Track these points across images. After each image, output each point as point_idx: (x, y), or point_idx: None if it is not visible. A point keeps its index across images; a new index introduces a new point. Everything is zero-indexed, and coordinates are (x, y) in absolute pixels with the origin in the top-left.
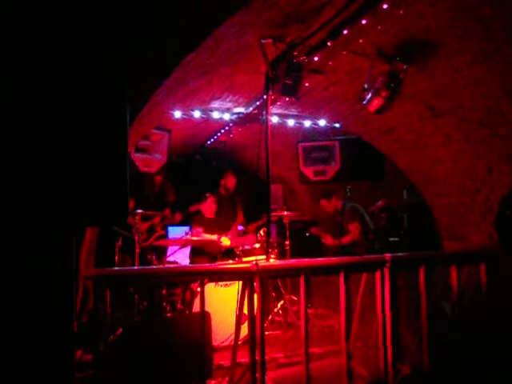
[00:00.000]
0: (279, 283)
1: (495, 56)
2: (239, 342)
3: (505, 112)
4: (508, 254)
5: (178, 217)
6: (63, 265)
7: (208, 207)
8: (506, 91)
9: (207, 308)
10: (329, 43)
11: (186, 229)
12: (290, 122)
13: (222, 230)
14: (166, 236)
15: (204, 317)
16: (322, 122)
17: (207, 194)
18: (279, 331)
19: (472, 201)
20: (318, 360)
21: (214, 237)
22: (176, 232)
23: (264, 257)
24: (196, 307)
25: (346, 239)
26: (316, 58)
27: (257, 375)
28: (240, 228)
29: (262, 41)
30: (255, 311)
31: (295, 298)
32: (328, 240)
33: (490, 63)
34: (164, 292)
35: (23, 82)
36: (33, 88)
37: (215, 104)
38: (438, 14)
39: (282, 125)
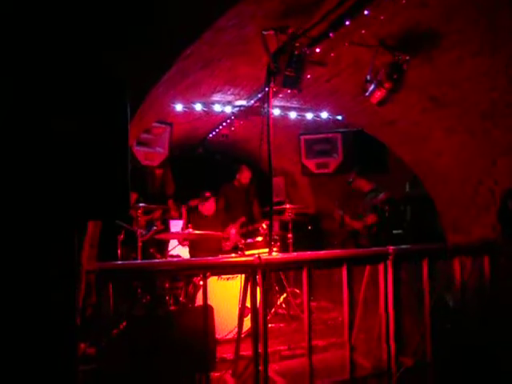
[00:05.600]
0: (282, 276)
1: (500, 47)
2: (242, 335)
3: (510, 104)
4: (511, 246)
5: (174, 214)
6: (65, 258)
7: (208, 207)
8: (511, 83)
9: (210, 301)
10: (331, 34)
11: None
12: (292, 115)
13: (219, 228)
14: (167, 230)
15: (207, 310)
16: (324, 115)
17: (207, 194)
18: (282, 324)
19: (475, 193)
20: (321, 352)
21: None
22: (178, 226)
23: (266, 250)
24: (199, 300)
25: (361, 224)
26: (318, 50)
27: (260, 368)
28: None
29: (264, 32)
30: (258, 304)
31: (298, 291)
32: (347, 220)
33: (494, 54)
34: (167, 285)
35: (27, 81)
36: (35, 85)
37: (216, 97)
38: (441, 4)
39: (284, 117)
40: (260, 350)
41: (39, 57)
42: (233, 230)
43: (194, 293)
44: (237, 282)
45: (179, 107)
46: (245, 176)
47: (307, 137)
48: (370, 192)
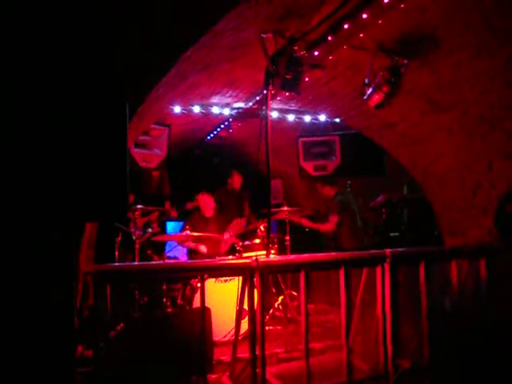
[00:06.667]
0: (279, 278)
1: (498, 50)
2: (240, 338)
3: (508, 107)
4: (507, 249)
5: (174, 214)
6: (63, 260)
7: (208, 204)
8: (509, 86)
9: (207, 303)
10: (329, 38)
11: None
12: (290, 117)
13: (220, 230)
14: (163, 232)
15: (204, 312)
16: (323, 117)
17: (202, 193)
18: (279, 326)
19: (472, 196)
20: (318, 355)
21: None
22: (174, 227)
23: (264, 252)
24: (196, 303)
25: (325, 227)
26: (316, 53)
27: (257, 370)
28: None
29: (262, 35)
30: (255, 306)
31: (295, 294)
32: (305, 222)
33: (492, 58)
34: (164, 287)
35: (25, 81)
36: (33, 86)
37: (215, 99)
38: (440, 8)
39: (282, 120)
40: (257, 353)
41: (38, 56)
42: (226, 235)
43: (192, 295)
44: (234, 284)
45: (177, 109)
46: (236, 181)
47: (305, 139)
48: (335, 195)
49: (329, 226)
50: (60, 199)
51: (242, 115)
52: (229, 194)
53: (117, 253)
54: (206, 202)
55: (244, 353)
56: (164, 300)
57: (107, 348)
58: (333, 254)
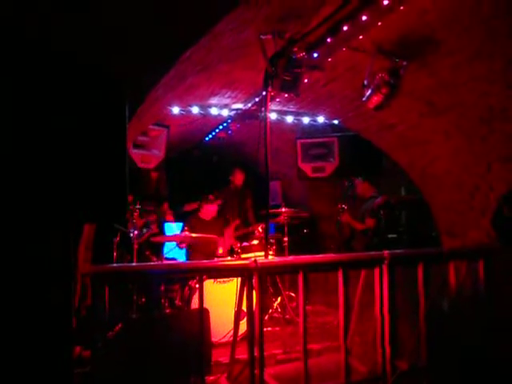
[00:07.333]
0: (277, 280)
1: (496, 53)
2: (238, 339)
3: (507, 109)
4: (505, 250)
5: (169, 217)
6: (62, 261)
7: (210, 210)
8: (509, 88)
9: (206, 304)
10: (328, 39)
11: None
12: (289, 119)
13: (218, 232)
14: (161, 233)
15: (202, 313)
16: (321, 119)
17: (211, 197)
18: (278, 327)
19: (471, 198)
20: (316, 356)
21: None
22: (172, 229)
23: (262, 253)
24: (194, 304)
25: (362, 226)
26: (315, 55)
27: (255, 371)
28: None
29: (262, 37)
30: (254, 308)
31: (293, 295)
32: (357, 225)
33: (491, 60)
34: (162, 288)
35: (25, 82)
36: (33, 86)
37: (214, 100)
38: (440, 11)
39: (281, 121)
40: (256, 354)
41: (38, 57)
42: (220, 250)
43: (190, 296)
44: (233, 286)
45: (176, 110)
46: (238, 178)
47: (304, 141)
48: (370, 197)
49: (363, 226)
50: (59, 200)
51: (240, 116)
52: (231, 193)
53: (115, 253)
54: (210, 209)
55: (242, 354)
56: (162, 301)
57: (105, 349)
58: (331, 256)
